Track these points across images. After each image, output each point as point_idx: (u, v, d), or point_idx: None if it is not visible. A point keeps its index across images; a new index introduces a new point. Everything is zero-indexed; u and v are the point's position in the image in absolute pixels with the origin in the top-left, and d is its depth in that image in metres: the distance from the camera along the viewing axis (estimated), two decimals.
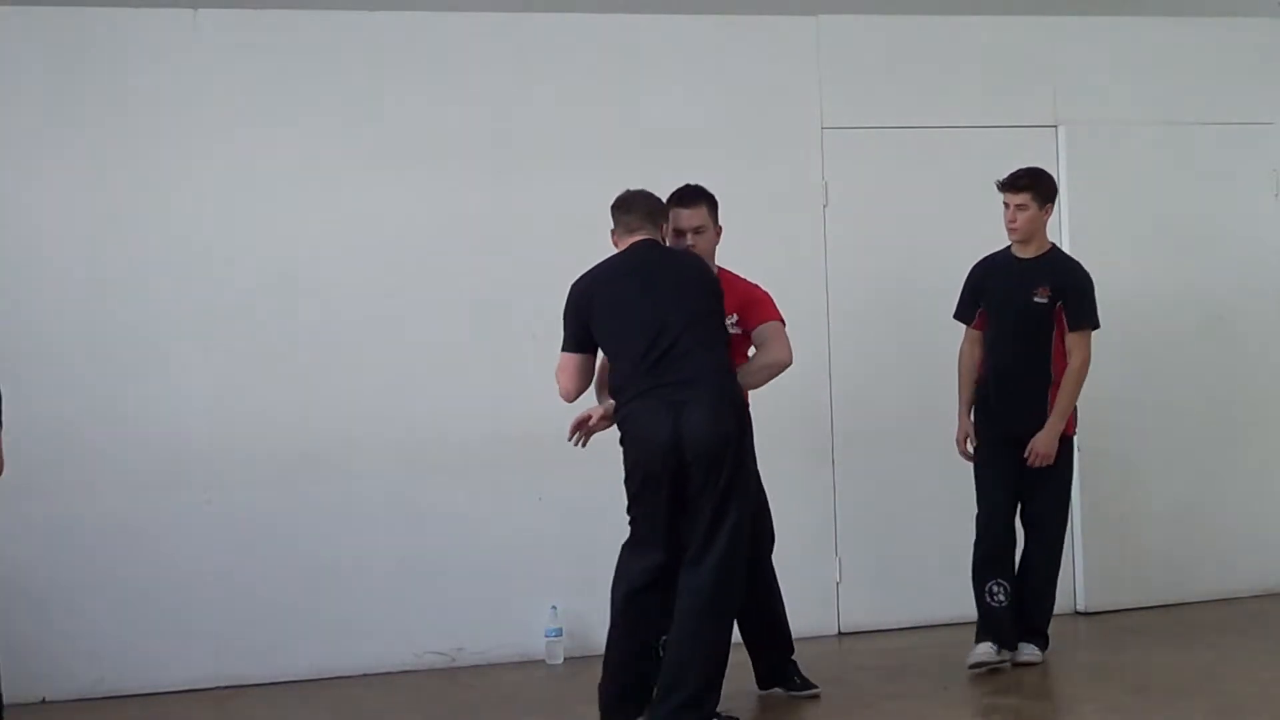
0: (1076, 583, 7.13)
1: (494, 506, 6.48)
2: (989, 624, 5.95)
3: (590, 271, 5.24)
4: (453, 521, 6.48)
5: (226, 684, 6.23)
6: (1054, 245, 6.15)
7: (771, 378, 5.42)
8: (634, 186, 5.52)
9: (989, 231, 7.16)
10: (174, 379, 6.29)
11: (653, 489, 4.99)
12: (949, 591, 6.99)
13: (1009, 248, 6.12)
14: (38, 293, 6.21)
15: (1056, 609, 7.08)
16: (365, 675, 6.35)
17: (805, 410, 6.81)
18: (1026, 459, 5.89)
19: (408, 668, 6.40)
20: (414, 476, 6.47)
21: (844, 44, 7.02)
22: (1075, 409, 5.99)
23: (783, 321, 5.51)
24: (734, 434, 4.98)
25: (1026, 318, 5.96)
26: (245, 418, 6.33)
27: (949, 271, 7.05)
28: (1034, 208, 5.99)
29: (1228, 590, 7.18)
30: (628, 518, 5.13)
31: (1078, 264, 6.09)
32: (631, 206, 5.30)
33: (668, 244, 5.47)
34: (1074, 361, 5.90)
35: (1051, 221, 7.16)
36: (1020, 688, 5.73)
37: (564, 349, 5.21)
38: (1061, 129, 7.20)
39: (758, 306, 5.52)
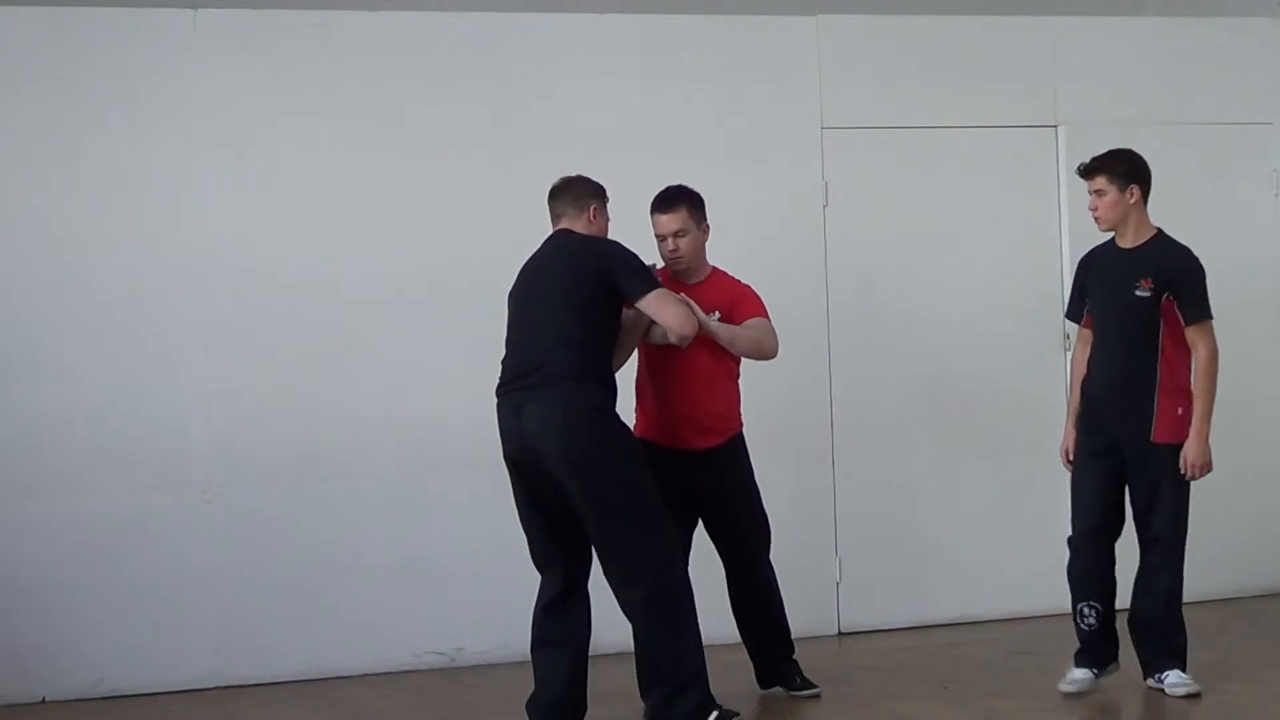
0: None
1: (494, 506, 6.45)
2: (1083, 647, 5.65)
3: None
4: (453, 521, 6.49)
5: (226, 684, 6.23)
6: (1159, 231, 5.53)
7: (753, 350, 5.47)
8: (632, 187, 5.53)
9: (989, 231, 7.19)
10: (174, 379, 6.29)
11: (515, 489, 5.10)
12: (949, 591, 7.02)
13: (1114, 238, 5.61)
14: (38, 292, 6.21)
15: (1055, 608, 7.10)
16: (365, 675, 6.35)
17: (805, 410, 6.81)
18: (1183, 474, 5.39)
19: (408, 668, 6.40)
20: (414, 476, 6.47)
21: (844, 44, 7.03)
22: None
23: (768, 318, 5.54)
24: (575, 428, 4.92)
25: (1129, 313, 5.42)
26: (245, 418, 6.33)
27: (949, 271, 7.08)
28: (1113, 191, 5.45)
29: (1228, 590, 7.18)
30: None
31: (1185, 251, 5.48)
32: (557, 194, 5.33)
33: (658, 246, 5.51)
34: (1199, 357, 5.34)
35: (1052, 221, 7.21)
36: (1020, 688, 5.72)
37: None
38: (1061, 129, 7.20)
39: (744, 303, 5.53)
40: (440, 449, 6.49)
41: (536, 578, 5.19)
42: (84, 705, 6.05)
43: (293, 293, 6.42)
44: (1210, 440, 5.31)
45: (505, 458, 5.10)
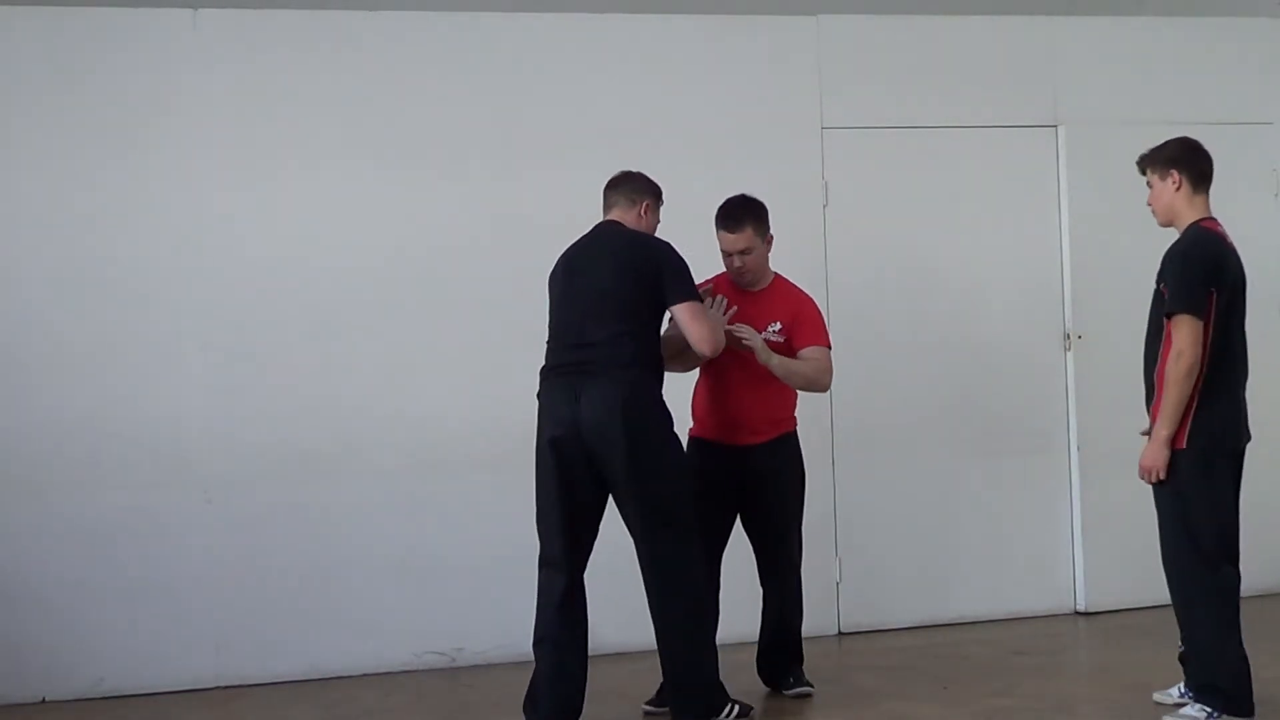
0: (1076, 583, 7.14)
1: (494, 506, 6.47)
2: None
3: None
4: (453, 521, 6.49)
5: (226, 684, 6.23)
6: (1193, 224, 5.15)
7: (803, 388, 5.62)
8: None
9: (988, 231, 7.19)
10: (174, 378, 6.29)
11: (550, 475, 5.05)
12: (949, 591, 7.02)
13: None
14: (37, 292, 6.21)
15: (1055, 608, 7.12)
16: (365, 675, 6.35)
17: (805, 410, 6.78)
18: (1149, 479, 5.08)
19: (408, 668, 6.40)
20: (414, 476, 6.47)
21: (844, 44, 7.03)
22: (1195, 418, 5.01)
23: (829, 344, 5.62)
24: (633, 421, 4.98)
25: (1151, 313, 5.19)
26: (245, 418, 6.33)
27: (949, 271, 7.08)
28: (1155, 180, 5.21)
29: None
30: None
31: (1189, 236, 5.11)
32: (615, 185, 5.42)
33: (723, 259, 5.59)
34: (1170, 356, 4.97)
35: (1051, 222, 7.21)
36: (1020, 688, 5.72)
37: None
38: (1061, 129, 7.20)
39: (807, 327, 5.60)
40: (440, 448, 6.49)
41: (535, 578, 5.18)
42: (84, 705, 6.05)
43: (293, 291, 6.42)
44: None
45: (547, 439, 5.06)
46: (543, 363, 5.21)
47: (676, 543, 5.07)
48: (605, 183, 5.44)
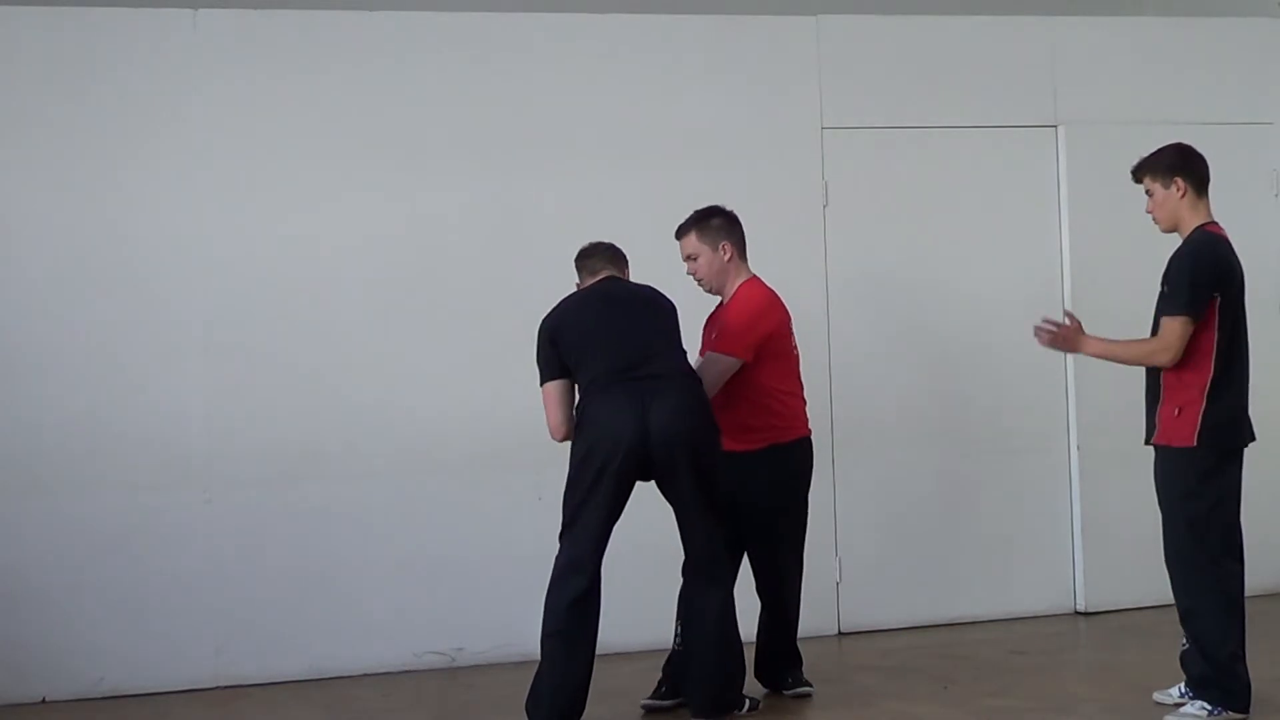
0: (1076, 583, 7.14)
1: (494, 506, 6.48)
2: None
3: (555, 308, 5.33)
4: (453, 521, 6.48)
5: (226, 684, 6.23)
6: (1198, 228, 5.19)
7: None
8: (632, 188, 5.55)
9: (988, 231, 7.19)
10: (174, 379, 6.29)
11: (601, 484, 5.05)
12: (949, 591, 7.02)
13: None
14: (38, 293, 6.21)
15: (1055, 608, 7.13)
16: (365, 675, 6.35)
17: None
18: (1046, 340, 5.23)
19: (408, 668, 6.40)
20: (414, 477, 6.47)
21: (844, 44, 7.03)
22: (1204, 417, 5.04)
23: (732, 353, 5.46)
24: (703, 427, 5.14)
25: (1155, 315, 5.19)
26: (245, 418, 6.33)
27: (949, 271, 7.08)
28: (1159, 189, 5.22)
29: None
30: (561, 527, 5.17)
31: (1195, 240, 5.15)
32: (592, 253, 5.52)
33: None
34: (1154, 342, 5.06)
35: (1051, 222, 7.22)
36: (1020, 688, 5.72)
37: (543, 383, 5.27)
38: (1061, 129, 7.20)
39: (718, 334, 5.55)
40: (440, 449, 6.49)
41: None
42: (84, 705, 6.05)
43: (292, 292, 6.41)
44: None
45: (621, 452, 4.99)
46: (589, 383, 5.14)
47: (724, 544, 5.26)
48: (575, 256, 5.51)
